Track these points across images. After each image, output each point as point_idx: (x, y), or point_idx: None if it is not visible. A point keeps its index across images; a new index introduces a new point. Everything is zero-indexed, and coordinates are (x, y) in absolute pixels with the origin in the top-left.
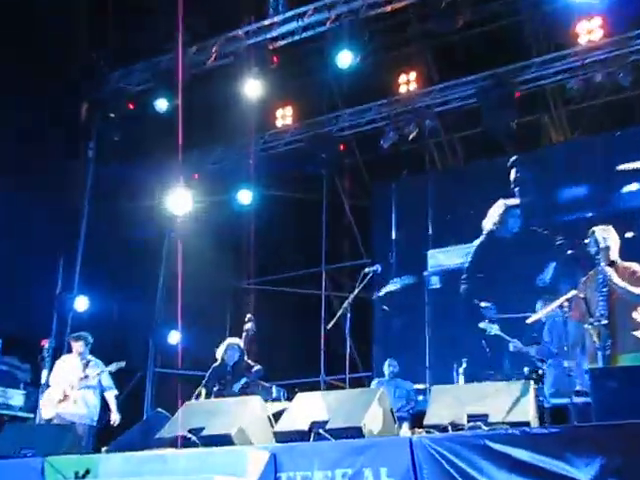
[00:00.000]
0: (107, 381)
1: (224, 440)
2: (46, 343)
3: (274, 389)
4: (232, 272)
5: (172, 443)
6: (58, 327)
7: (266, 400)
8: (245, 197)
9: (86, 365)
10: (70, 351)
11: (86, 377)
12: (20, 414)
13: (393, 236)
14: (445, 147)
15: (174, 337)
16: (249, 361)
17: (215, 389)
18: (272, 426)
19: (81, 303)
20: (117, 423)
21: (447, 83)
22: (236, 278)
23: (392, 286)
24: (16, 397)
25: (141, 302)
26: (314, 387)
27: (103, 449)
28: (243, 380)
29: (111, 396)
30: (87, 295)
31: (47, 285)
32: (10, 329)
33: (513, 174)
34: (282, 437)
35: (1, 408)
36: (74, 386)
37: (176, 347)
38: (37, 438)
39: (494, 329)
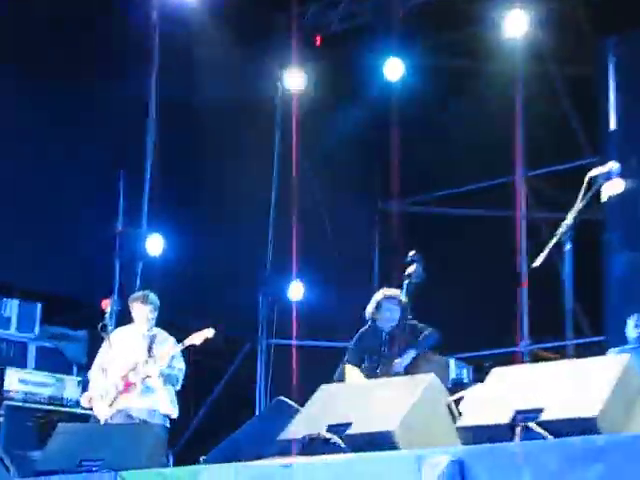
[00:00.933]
0: (178, 364)
1: (382, 441)
2: (108, 305)
3: (452, 364)
4: (375, 188)
5: (303, 447)
6: (122, 281)
7: (443, 380)
8: (393, 69)
9: (152, 341)
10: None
11: (152, 357)
12: (76, 410)
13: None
14: None
15: (295, 291)
16: (415, 322)
17: (364, 365)
18: (454, 419)
19: (154, 244)
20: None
21: None
22: (382, 197)
23: None
24: (69, 386)
25: (242, 240)
26: (510, 361)
27: (201, 459)
28: (410, 353)
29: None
30: (161, 232)
31: (102, 219)
32: (55, 287)
33: None
34: (470, 435)
35: (49, 403)
36: (138, 371)
37: (299, 306)
38: (103, 444)
39: None
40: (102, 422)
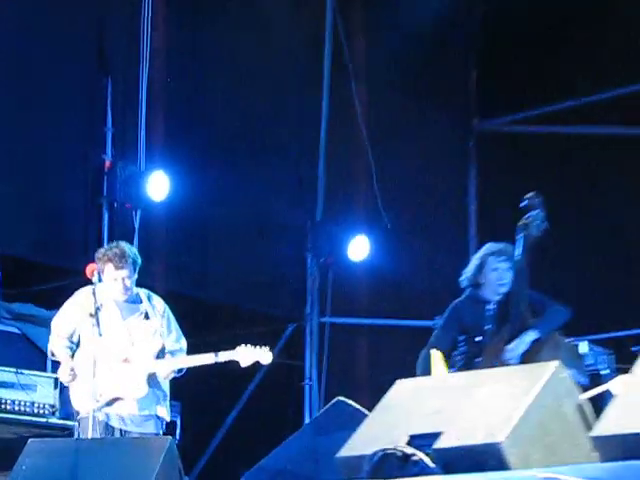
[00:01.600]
0: (174, 335)
1: (485, 457)
2: (95, 272)
3: (585, 348)
4: (471, 102)
5: (374, 467)
6: (113, 237)
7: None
8: None
9: (136, 307)
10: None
11: (144, 331)
12: (53, 420)
13: None
14: None
15: (358, 249)
16: (535, 293)
17: (460, 352)
18: (588, 425)
19: (155, 186)
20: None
21: None
22: (480, 114)
23: None
24: (42, 387)
25: (279, 177)
26: None
27: None
28: (528, 335)
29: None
30: (165, 170)
31: (81, 148)
32: (17, 247)
33: None
34: (612, 448)
35: (14, 411)
36: (128, 357)
37: (363, 269)
38: (92, 468)
39: None
40: (87, 424)
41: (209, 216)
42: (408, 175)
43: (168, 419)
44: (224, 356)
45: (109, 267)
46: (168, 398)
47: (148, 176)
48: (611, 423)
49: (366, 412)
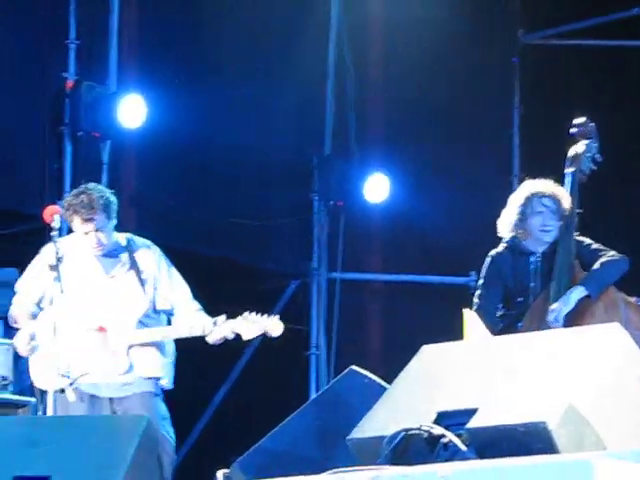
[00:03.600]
0: (176, 284)
1: (529, 438)
2: (56, 216)
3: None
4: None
5: (396, 450)
6: (79, 174)
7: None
8: None
9: (117, 259)
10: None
11: (127, 288)
12: (6, 395)
13: None
14: None
15: (376, 190)
16: (588, 240)
17: (500, 313)
18: None
19: (129, 111)
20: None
21: None
22: (526, 25)
23: None
24: None
25: (280, 103)
26: None
27: (219, 474)
28: (577, 291)
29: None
30: (142, 92)
31: (37, 64)
32: None
33: None
34: None
35: None
36: (103, 324)
37: (382, 214)
38: (54, 451)
39: None
40: (50, 402)
41: (194, 149)
42: (438, 98)
43: (169, 386)
44: (224, 328)
45: (76, 220)
46: (172, 357)
47: (120, 99)
48: None
49: (385, 385)
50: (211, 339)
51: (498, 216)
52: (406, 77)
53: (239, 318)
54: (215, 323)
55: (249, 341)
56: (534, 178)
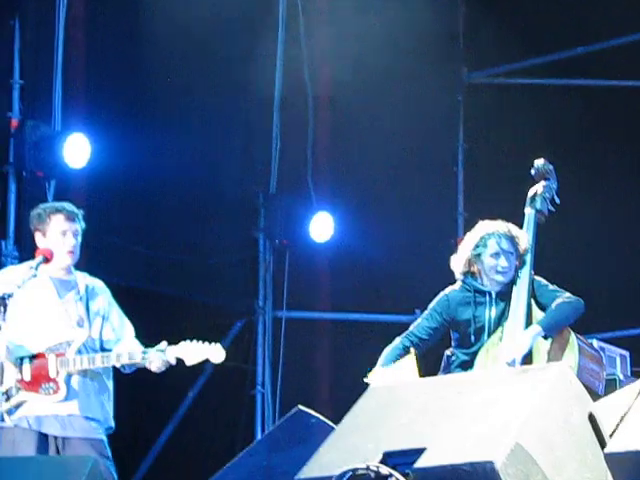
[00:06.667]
0: (125, 320)
1: (477, 477)
2: None
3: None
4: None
5: None
6: (22, 208)
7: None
8: None
9: (88, 294)
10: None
11: (81, 321)
12: None
13: None
14: None
15: (320, 229)
16: (543, 281)
17: (452, 351)
18: (601, 440)
19: (75, 150)
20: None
21: None
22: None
23: None
24: None
25: (226, 143)
26: None
27: None
28: (532, 330)
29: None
30: (88, 132)
31: None
32: None
33: None
34: (630, 468)
35: None
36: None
37: (326, 253)
38: None
39: None
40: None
41: (139, 188)
42: (383, 137)
43: (112, 424)
44: (167, 353)
45: (57, 218)
46: (111, 397)
47: (65, 138)
48: (628, 437)
49: (331, 424)
50: (154, 366)
51: (443, 254)
52: (351, 116)
53: (182, 343)
54: (158, 349)
55: (195, 380)
56: (479, 216)
